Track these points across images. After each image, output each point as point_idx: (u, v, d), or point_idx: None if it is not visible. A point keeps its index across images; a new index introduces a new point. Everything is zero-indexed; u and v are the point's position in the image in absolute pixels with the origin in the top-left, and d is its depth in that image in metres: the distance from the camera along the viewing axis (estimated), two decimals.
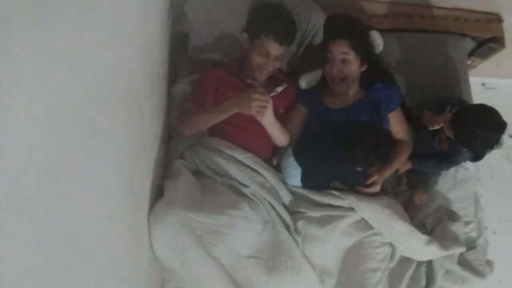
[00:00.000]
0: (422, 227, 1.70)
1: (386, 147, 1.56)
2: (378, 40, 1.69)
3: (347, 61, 1.61)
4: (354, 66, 1.62)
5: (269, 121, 1.51)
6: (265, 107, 1.41)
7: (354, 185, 1.65)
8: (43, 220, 0.64)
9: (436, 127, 1.64)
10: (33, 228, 0.61)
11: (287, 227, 1.54)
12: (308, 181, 1.63)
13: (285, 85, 1.69)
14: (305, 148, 1.64)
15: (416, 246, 1.54)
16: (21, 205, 0.58)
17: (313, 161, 1.61)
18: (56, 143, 0.67)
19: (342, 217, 1.56)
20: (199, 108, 1.57)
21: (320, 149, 1.62)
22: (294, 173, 1.63)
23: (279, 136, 1.64)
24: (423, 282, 1.63)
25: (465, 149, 1.66)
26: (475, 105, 1.65)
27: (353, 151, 1.53)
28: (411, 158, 1.74)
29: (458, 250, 1.60)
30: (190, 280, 1.40)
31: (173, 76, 1.76)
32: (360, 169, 1.59)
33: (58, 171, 0.68)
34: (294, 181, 1.65)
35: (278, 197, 1.59)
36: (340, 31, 1.63)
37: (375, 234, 1.55)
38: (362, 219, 1.57)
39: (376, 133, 1.57)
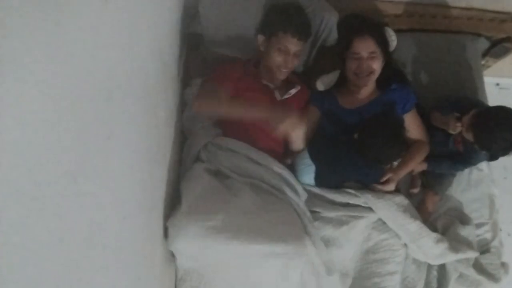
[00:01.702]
0: (433, 230, 1.68)
1: (396, 136, 1.56)
2: (392, 37, 1.69)
3: (374, 57, 1.61)
4: (380, 61, 1.63)
5: (297, 138, 1.61)
6: (296, 127, 1.49)
7: (368, 184, 1.64)
8: (63, 219, 0.65)
9: (457, 130, 1.62)
10: (53, 227, 0.62)
11: (310, 222, 1.54)
12: (321, 180, 1.63)
13: (299, 87, 1.69)
14: (320, 146, 1.64)
15: (426, 244, 1.54)
16: (42, 205, 0.59)
17: (328, 160, 1.61)
18: (76, 144, 0.69)
19: (358, 217, 1.55)
20: (222, 90, 1.57)
21: (334, 149, 1.62)
22: (308, 171, 1.63)
23: (299, 145, 1.68)
24: (434, 285, 1.62)
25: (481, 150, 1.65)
26: (494, 108, 1.62)
27: (365, 143, 1.53)
28: (425, 159, 1.73)
29: (470, 255, 1.59)
30: (208, 278, 1.40)
31: (185, 77, 1.77)
32: (380, 164, 1.58)
33: (77, 171, 0.69)
34: (308, 179, 1.64)
35: (297, 194, 1.59)
36: (364, 27, 1.63)
37: (393, 237, 1.55)
38: (379, 219, 1.56)
39: (387, 123, 1.57)
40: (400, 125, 1.60)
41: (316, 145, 1.65)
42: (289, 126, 1.46)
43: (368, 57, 1.61)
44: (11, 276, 0.53)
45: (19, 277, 0.55)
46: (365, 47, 1.61)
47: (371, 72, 1.63)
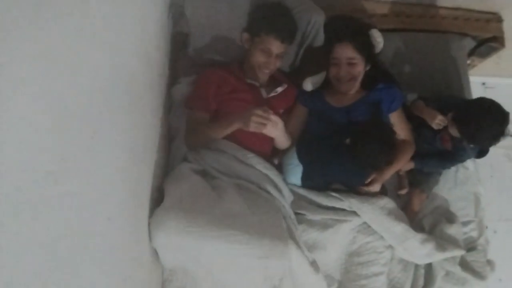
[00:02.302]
0: (420, 228, 1.70)
1: (390, 143, 1.56)
2: (378, 39, 1.70)
3: (353, 63, 1.62)
4: (360, 67, 1.64)
5: (277, 136, 1.57)
6: (264, 124, 1.42)
7: (354, 186, 1.65)
8: (44, 220, 0.64)
9: (440, 126, 1.63)
10: (34, 228, 0.61)
11: (294, 224, 1.53)
12: (308, 180, 1.63)
13: (285, 86, 1.69)
14: (307, 146, 1.64)
15: (412, 245, 1.54)
16: (22, 206, 0.58)
17: (315, 161, 1.61)
18: (57, 143, 0.67)
19: (343, 221, 1.56)
20: (204, 115, 1.60)
21: (322, 150, 1.62)
22: (296, 171, 1.63)
23: (283, 142, 1.66)
24: (421, 283, 1.62)
25: (470, 146, 1.66)
26: (475, 100, 1.65)
27: (359, 149, 1.53)
28: (413, 157, 1.74)
29: (456, 253, 1.60)
30: (195, 277, 1.39)
31: (172, 76, 1.76)
32: (371, 168, 1.59)
33: (59, 172, 0.67)
34: (294, 179, 1.64)
35: (283, 196, 1.59)
36: (344, 33, 1.63)
37: (377, 239, 1.55)
38: (364, 223, 1.57)
39: (380, 129, 1.57)
40: (391, 131, 1.60)
41: (304, 145, 1.65)
42: (256, 125, 1.43)
43: (347, 63, 1.62)
44: None
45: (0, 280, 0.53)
46: (344, 53, 1.62)
47: (351, 78, 1.63)
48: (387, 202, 1.61)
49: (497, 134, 1.54)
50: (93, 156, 0.82)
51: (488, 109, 1.54)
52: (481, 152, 1.75)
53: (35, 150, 0.61)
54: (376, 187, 1.62)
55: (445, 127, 1.66)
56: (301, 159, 1.61)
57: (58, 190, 0.67)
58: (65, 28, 0.69)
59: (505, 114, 1.54)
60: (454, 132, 1.61)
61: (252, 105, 1.53)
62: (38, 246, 0.62)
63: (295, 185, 1.66)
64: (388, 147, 1.55)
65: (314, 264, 1.42)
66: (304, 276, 1.37)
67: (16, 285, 0.57)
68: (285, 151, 1.70)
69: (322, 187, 1.65)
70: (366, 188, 1.62)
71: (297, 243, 1.36)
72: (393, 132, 1.60)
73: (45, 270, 0.65)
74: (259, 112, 1.41)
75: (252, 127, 1.42)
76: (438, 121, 1.64)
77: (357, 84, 1.69)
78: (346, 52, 1.61)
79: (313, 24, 1.74)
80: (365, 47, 1.64)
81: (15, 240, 0.56)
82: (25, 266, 0.59)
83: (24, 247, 0.59)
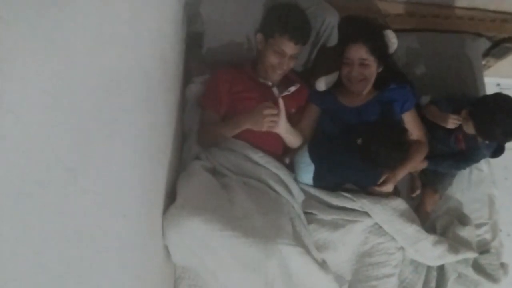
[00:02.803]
0: (432, 230, 1.69)
1: (403, 143, 1.56)
2: (392, 39, 1.69)
3: (366, 64, 1.61)
4: (372, 68, 1.63)
5: (283, 130, 1.57)
6: (276, 122, 1.45)
7: (366, 187, 1.64)
8: (63, 217, 0.65)
9: (455, 124, 1.62)
10: (53, 225, 0.63)
11: (303, 225, 1.53)
12: (320, 179, 1.63)
13: (298, 85, 1.69)
14: (319, 146, 1.64)
15: (424, 247, 1.54)
16: (44, 202, 0.59)
17: (327, 161, 1.61)
18: (76, 142, 0.69)
19: (354, 221, 1.55)
20: (215, 115, 1.62)
21: (333, 150, 1.62)
22: (307, 170, 1.63)
23: (292, 140, 1.66)
24: (433, 285, 1.62)
25: (484, 145, 1.65)
26: (490, 95, 1.63)
27: (372, 149, 1.52)
28: (427, 158, 1.73)
29: (469, 255, 1.59)
30: (205, 276, 1.40)
31: (186, 75, 1.77)
32: (382, 168, 1.58)
33: (78, 170, 0.69)
34: (306, 178, 1.65)
35: (292, 195, 1.59)
36: (358, 34, 1.63)
37: (389, 241, 1.54)
38: (376, 224, 1.56)
39: (392, 129, 1.57)
40: (403, 131, 1.60)
41: (316, 145, 1.65)
42: (269, 125, 1.46)
43: (359, 64, 1.62)
44: (10, 275, 0.53)
45: (19, 276, 0.55)
46: (356, 54, 1.62)
47: (363, 79, 1.63)
48: (399, 204, 1.60)
49: None
50: (109, 154, 0.84)
51: (503, 103, 1.53)
52: (496, 152, 1.73)
53: (55, 148, 0.62)
54: (389, 188, 1.62)
55: (459, 127, 1.64)
56: (313, 158, 1.61)
57: (78, 187, 0.69)
58: (82, 27, 0.70)
59: None
60: (469, 129, 1.59)
61: (259, 103, 1.53)
62: (56, 242, 0.64)
63: (306, 184, 1.66)
64: (400, 146, 1.55)
65: (323, 265, 1.41)
66: (310, 277, 1.36)
67: (35, 279, 0.58)
68: (296, 150, 1.70)
69: (334, 187, 1.65)
70: (378, 189, 1.61)
71: (303, 245, 1.34)
72: (405, 132, 1.59)
73: (62, 265, 0.66)
74: (268, 111, 1.44)
75: (266, 128, 1.46)
76: (451, 120, 1.62)
77: (369, 85, 1.68)
78: (359, 53, 1.61)
79: (327, 24, 1.73)
80: (378, 49, 1.64)
81: (34, 236, 0.58)
82: (42, 262, 0.61)
83: (43, 243, 0.60)
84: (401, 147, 1.55)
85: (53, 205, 0.62)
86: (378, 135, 1.53)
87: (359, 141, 1.57)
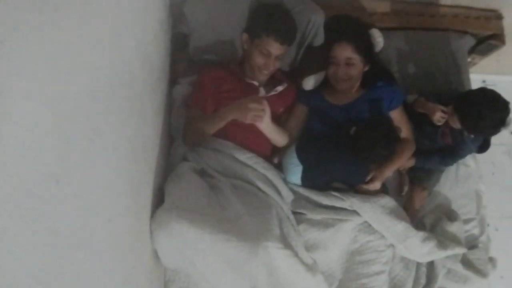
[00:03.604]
0: (421, 226, 1.70)
1: (393, 138, 1.56)
2: (378, 38, 1.70)
3: (351, 64, 1.62)
4: (358, 67, 1.64)
5: (266, 126, 1.55)
6: (261, 116, 1.43)
7: (354, 185, 1.65)
8: (45, 222, 0.64)
9: (442, 121, 1.63)
10: (35, 230, 0.61)
11: (292, 225, 1.53)
12: (308, 179, 1.63)
13: (285, 85, 1.69)
14: (307, 146, 1.64)
15: (413, 244, 1.54)
16: (24, 207, 0.58)
17: (315, 160, 1.61)
18: (58, 145, 0.67)
19: (344, 220, 1.55)
20: (202, 113, 1.59)
21: (322, 149, 1.62)
22: (295, 171, 1.63)
23: (277, 138, 1.66)
24: (423, 281, 1.63)
25: (470, 139, 1.66)
26: (476, 90, 1.66)
27: (362, 141, 1.53)
28: (414, 154, 1.74)
29: (458, 251, 1.60)
30: (195, 279, 1.40)
31: (173, 76, 1.76)
32: (368, 164, 1.59)
33: (60, 173, 0.67)
34: (294, 179, 1.65)
35: (281, 196, 1.59)
36: (343, 34, 1.63)
37: (379, 238, 1.55)
38: (365, 222, 1.57)
39: (383, 124, 1.57)
40: (394, 127, 1.60)
41: (304, 145, 1.65)
42: (253, 117, 1.44)
43: (345, 63, 1.62)
44: None
45: (1, 282, 0.54)
46: (342, 54, 1.62)
47: (349, 78, 1.64)
48: (388, 201, 1.61)
49: (498, 123, 1.54)
50: (93, 157, 0.82)
51: (488, 97, 1.55)
52: (482, 147, 1.75)
53: (36, 151, 0.61)
54: (376, 185, 1.62)
55: (446, 122, 1.66)
56: (301, 158, 1.61)
57: (60, 191, 0.68)
58: (65, 29, 0.69)
59: (505, 102, 1.54)
60: (455, 123, 1.61)
61: (245, 96, 1.52)
62: (39, 247, 0.63)
63: (295, 184, 1.66)
64: (391, 141, 1.56)
65: (311, 266, 1.40)
66: (298, 279, 1.35)
67: (17, 286, 0.57)
68: (284, 150, 1.70)
69: (323, 186, 1.65)
70: (366, 186, 1.62)
71: (290, 247, 1.33)
72: (395, 128, 1.60)
73: (46, 271, 0.65)
74: (254, 105, 1.42)
75: (249, 120, 1.44)
76: (439, 114, 1.64)
77: (356, 84, 1.69)
78: (345, 52, 1.62)
79: (313, 24, 1.73)
80: (364, 48, 1.64)
81: (16, 241, 0.57)
82: (26, 267, 0.59)
83: (25, 248, 0.59)
84: (390, 142, 1.56)
85: (34, 210, 0.61)
86: (369, 129, 1.54)
87: (352, 130, 1.57)
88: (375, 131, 1.54)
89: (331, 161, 1.60)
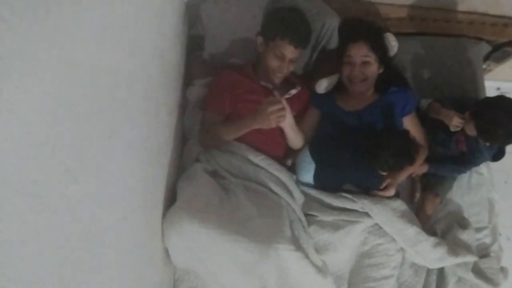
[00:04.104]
0: (432, 233, 1.68)
1: (411, 150, 1.55)
2: (392, 42, 1.69)
3: (367, 63, 1.61)
4: (374, 67, 1.63)
5: (289, 125, 1.54)
6: (283, 115, 1.42)
7: (366, 188, 1.64)
8: (63, 218, 0.65)
9: (459, 127, 1.62)
10: (53, 226, 0.63)
11: (303, 227, 1.53)
12: (320, 179, 1.63)
13: (299, 88, 1.70)
14: (322, 145, 1.64)
15: (424, 249, 1.53)
16: (43, 203, 0.59)
17: (328, 160, 1.60)
18: (77, 143, 0.69)
19: (355, 222, 1.55)
20: (219, 116, 1.60)
21: (336, 149, 1.61)
22: (308, 169, 1.62)
23: (295, 138, 1.65)
24: None
25: (485, 147, 1.64)
26: (493, 97, 1.63)
27: (381, 156, 1.52)
28: (427, 161, 1.73)
29: (469, 259, 1.58)
30: (205, 278, 1.40)
31: (187, 78, 1.78)
32: (383, 173, 1.59)
33: (78, 171, 0.69)
34: (307, 177, 1.64)
35: (293, 198, 1.59)
36: (359, 33, 1.63)
37: (389, 242, 1.54)
38: (376, 224, 1.56)
39: (401, 137, 1.56)
40: (412, 139, 1.59)
41: (318, 144, 1.65)
42: (276, 121, 1.41)
43: (361, 62, 1.62)
44: (11, 275, 0.53)
45: (19, 276, 0.55)
46: (358, 53, 1.61)
47: (364, 78, 1.63)
48: (399, 205, 1.60)
49: None
50: (110, 156, 0.84)
51: (506, 105, 1.52)
52: (497, 155, 1.73)
53: (55, 149, 0.62)
54: (391, 192, 1.62)
55: (461, 129, 1.64)
56: (314, 157, 1.61)
57: (77, 188, 0.69)
58: (84, 28, 0.71)
59: None
60: (470, 130, 1.59)
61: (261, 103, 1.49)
62: (56, 243, 0.64)
63: (307, 184, 1.66)
64: (409, 155, 1.54)
65: (322, 268, 1.40)
66: (308, 281, 1.35)
67: (34, 282, 0.58)
68: (298, 152, 1.70)
69: (334, 186, 1.65)
70: (381, 193, 1.61)
71: (301, 249, 1.33)
72: (413, 141, 1.58)
73: (62, 266, 0.66)
74: (271, 107, 1.39)
75: (274, 124, 1.41)
76: (455, 122, 1.61)
77: (370, 86, 1.68)
78: (361, 51, 1.61)
79: (328, 27, 1.74)
80: (379, 48, 1.64)
81: (34, 237, 0.58)
82: (43, 263, 0.61)
83: (43, 244, 0.60)
84: (410, 156, 1.55)
85: (52, 206, 0.62)
86: (387, 142, 1.52)
87: (366, 140, 1.56)
88: (395, 143, 1.52)
89: (344, 163, 1.60)
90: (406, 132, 1.60)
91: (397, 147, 1.52)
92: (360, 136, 1.59)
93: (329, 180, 1.64)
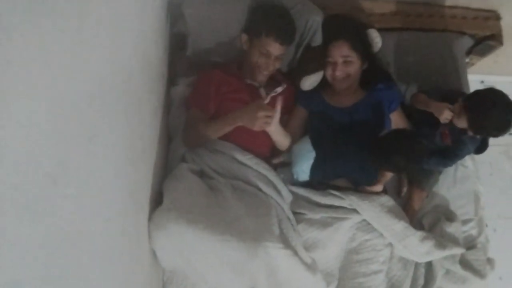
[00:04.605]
0: (420, 227, 1.70)
1: (422, 153, 1.56)
2: (376, 38, 1.70)
3: (349, 62, 1.62)
4: (356, 65, 1.64)
5: (274, 129, 1.53)
6: (269, 123, 1.42)
7: (357, 183, 1.64)
8: (43, 223, 0.64)
9: (447, 120, 1.62)
10: (34, 231, 0.61)
11: (292, 226, 1.53)
12: (319, 168, 1.61)
13: (285, 86, 1.69)
14: (323, 135, 1.63)
15: (412, 243, 1.54)
16: (21, 207, 0.58)
17: (330, 151, 1.60)
18: (56, 145, 0.67)
19: (343, 219, 1.55)
20: (203, 114, 1.58)
21: (338, 141, 1.61)
22: (308, 157, 1.61)
23: (282, 141, 1.65)
24: (421, 282, 1.63)
25: (470, 140, 1.66)
26: (485, 89, 1.64)
27: (391, 159, 1.52)
28: None
29: (456, 251, 1.60)
30: (194, 279, 1.39)
31: (172, 77, 1.76)
32: (388, 172, 1.60)
33: (58, 174, 0.67)
34: (304, 166, 1.61)
35: (281, 197, 1.58)
36: (339, 32, 1.64)
37: (377, 237, 1.55)
38: (364, 220, 1.57)
39: (411, 139, 1.57)
40: (421, 142, 1.59)
41: (319, 134, 1.64)
42: (262, 125, 1.42)
43: (342, 61, 1.62)
44: None
45: (1, 280, 0.53)
46: (339, 52, 1.62)
47: (347, 76, 1.64)
48: (386, 200, 1.61)
49: (505, 125, 1.54)
50: (91, 158, 0.82)
51: (499, 98, 1.54)
52: (480, 148, 1.75)
53: (34, 152, 0.61)
54: (379, 187, 1.64)
55: (446, 123, 1.65)
56: (315, 145, 1.60)
57: (57, 192, 0.67)
58: (62, 29, 0.69)
59: None
60: (461, 122, 1.59)
61: (251, 102, 1.51)
62: (37, 248, 0.62)
63: (301, 176, 1.65)
64: (419, 157, 1.55)
65: (311, 265, 1.40)
66: (298, 278, 1.35)
67: (16, 286, 0.57)
68: (283, 153, 1.69)
69: (328, 179, 1.64)
70: (370, 188, 1.62)
71: (290, 247, 1.33)
72: (425, 147, 1.59)
73: (44, 272, 0.65)
74: (262, 113, 1.40)
75: (257, 128, 1.42)
76: (446, 114, 1.61)
77: (354, 83, 1.69)
78: (342, 50, 1.62)
79: (311, 24, 1.74)
80: (361, 46, 1.65)
81: (15, 242, 0.56)
82: (24, 268, 0.59)
83: (23, 249, 0.59)
84: (419, 159, 1.55)
85: (31, 210, 0.60)
86: (398, 144, 1.53)
87: (383, 133, 1.56)
88: (406, 145, 1.53)
89: (345, 156, 1.59)
90: (415, 134, 1.60)
91: (408, 150, 1.52)
92: (354, 133, 1.59)
93: (326, 171, 1.62)
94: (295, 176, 1.67)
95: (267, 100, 1.55)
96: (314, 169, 1.62)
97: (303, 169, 1.63)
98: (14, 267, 0.56)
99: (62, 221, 0.70)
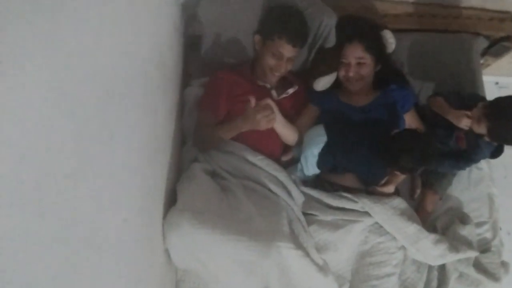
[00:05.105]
0: (433, 229, 1.69)
1: (433, 154, 1.55)
2: (390, 39, 1.69)
3: (363, 63, 1.62)
4: (369, 67, 1.64)
5: (279, 123, 1.54)
6: (273, 118, 1.43)
7: (368, 182, 1.63)
8: (63, 222, 0.65)
9: (466, 126, 1.60)
10: (53, 229, 0.62)
11: (303, 227, 1.53)
12: (328, 154, 1.60)
13: (296, 87, 1.69)
14: (335, 129, 1.62)
15: (425, 246, 1.53)
16: (43, 207, 0.59)
17: (341, 138, 1.59)
18: (76, 146, 0.68)
19: (354, 221, 1.55)
20: (213, 117, 1.59)
21: (351, 134, 1.61)
22: (318, 141, 1.60)
23: (289, 135, 1.65)
24: (434, 284, 1.61)
25: (486, 145, 1.63)
26: (506, 97, 1.61)
27: (402, 159, 1.52)
28: None
29: (470, 254, 1.59)
30: (206, 279, 1.41)
31: (185, 78, 1.77)
32: (397, 173, 1.59)
33: (77, 174, 0.69)
34: (316, 150, 1.61)
35: (292, 198, 1.59)
36: (353, 34, 1.63)
37: (389, 240, 1.54)
38: (376, 223, 1.56)
39: (423, 140, 1.56)
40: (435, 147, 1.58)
41: (331, 127, 1.63)
42: (266, 123, 1.43)
43: (356, 63, 1.62)
44: (11, 278, 0.53)
45: (19, 279, 0.55)
46: (353, 54, 1.62)
47: (360, 78, 1.63)
48: (399, 203, 1.60)
49: None
50: (110, 158, 0.83)
51: None
52: (495, 153, 1.72)
53: (55, 153, 0.62)
54: (390, 189, 1.62)
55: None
56: (328, 130, 1.60)
57: (78, 191, 0.69)
58: (81, 30, 0.70)
59: None
60: (479, 128, 1.57)
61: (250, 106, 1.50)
62: (56, 246, 0.64)
63: (310, 162, 1.64)
64: (431, 159, 1.54)
65: (323, 267, 1.40)
66: (309, 279, 1.36)
67: (33, 283, 0.58)
68: (294, 149, 1.69)
69: (335, 168, 1.63)
70: (380, 189, 1.61)
71: (302, 248, 1.33)
72: (436, 149, 1.57)
73: (65, 270, 0.66)
74: (260, 115, 1.41)
75: (265, 126, 1.43)
76: (465, 122, 1.58)
77: (367, 84, 1.68)
78: (355, 52, 1.62)
79: (325, 26, 1.73)
80: (375, 47, 1.64)
81: (33, 240, 0.58)
82: (46, 266, 0.61)
83: (42, 246, 0.60)
84: (431, 161, 1.54)
85: (52, 211, 0.62)
86: (410, 145, 1.51)
87: (394, 132, 1.55)
88: (418, 146, 1.52)
89: (355, 149, 1.58)
90: (427, 135, 1.59)
91: (416, 151, 1.51)
92: (368, 131, 1.58)
93: (336, 159, 1.61)
94: (303, 163, 1.65)
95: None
96: (323, 154, 1.61)
97: (313, 152, 1.61)
98: (35, 266, 0.58)
99: (81, 221, 0.71)
